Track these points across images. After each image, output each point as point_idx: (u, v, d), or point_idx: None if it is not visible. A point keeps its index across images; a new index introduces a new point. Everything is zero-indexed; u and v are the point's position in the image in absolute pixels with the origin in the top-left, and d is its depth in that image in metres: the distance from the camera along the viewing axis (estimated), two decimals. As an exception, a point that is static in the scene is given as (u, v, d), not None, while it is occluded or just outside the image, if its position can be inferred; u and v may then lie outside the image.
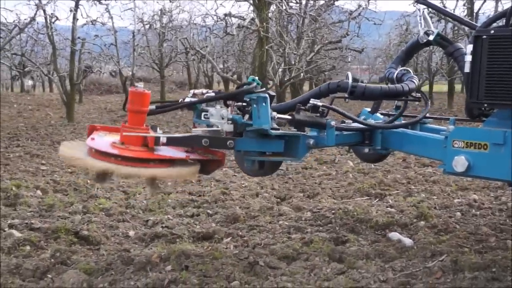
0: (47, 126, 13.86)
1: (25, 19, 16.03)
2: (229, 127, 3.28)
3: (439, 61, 20.69)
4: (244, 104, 3.35)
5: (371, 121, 3.94)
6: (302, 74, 15.76)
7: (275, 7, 14.20)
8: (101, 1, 17.34)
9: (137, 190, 5.82)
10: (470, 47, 3.08)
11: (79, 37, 17.53)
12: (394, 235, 4.01)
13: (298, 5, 16.76)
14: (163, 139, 3.06)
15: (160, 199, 5.35)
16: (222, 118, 3.28)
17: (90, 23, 17.87)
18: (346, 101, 3.78)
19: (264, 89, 3.37)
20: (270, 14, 13.97)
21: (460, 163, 3.01)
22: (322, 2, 17.09)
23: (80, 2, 15.89)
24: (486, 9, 38.26)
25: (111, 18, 20.56)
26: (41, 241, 3.89)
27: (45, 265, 3.36)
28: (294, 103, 3.56)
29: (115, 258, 3.55)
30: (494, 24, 3.18)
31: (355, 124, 3.77)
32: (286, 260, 3.54)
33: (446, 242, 3.81)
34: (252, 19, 13.95)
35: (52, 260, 3.47)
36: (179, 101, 3.60)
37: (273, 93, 3.39)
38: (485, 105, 3.12)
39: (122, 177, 3.10)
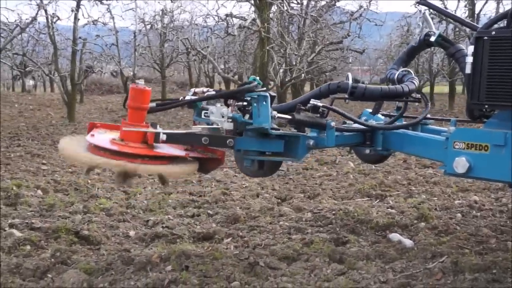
0: (48, 126, 13.88)
1: (26, 19, 16.06)
2: (229, 125, 3.28)
3: (440, 62, 20.70)
4: (244, 103, 3.35)
5: (372, 122, 3.94)
6: (303, 74, 15.75)
7: (276, 8, 14.20)
8: (103, 1, 17.36)
9: (137, 190, 5.82)
10: (471, 48, 3.08)
11: (80, 37, 17.53)
12: (395, 236, 4.01)
13: (299, 5, 16.80)
14: (162, 136, 3.06)
15: (160, 199, 5.35)
16: (222, 116, 3.27)
17: (92, 23, 17.90)
18: (346, 102, 3.78)
19: (265, 88, 3.37)
20: (271, 15, 13.96)
21: (460, 164, 3.01)
22: (323, 3, 17.13)
23: (82, 2, 15.93)
24: (487, 10, 38.34)
25: (113, 18, 20.60)
26: (42, 241, 3.89)
27: (46, 264, 3.36)
28: (294, 104, 3.56)
29: (116, 258, 3.54)
30: (495, 25, 3.18)
31: (356, 125, 3.76)
32: (286, 260, 3.54)
33: (447, 243, 3.80)
34: (253, 19, 13.95)
35: (53, 259, 3.47)
36: (180, 99, 3.60)
37: (274, 94, 3.39)
38: (486, 106, 3.12)
39: (119, 172, 3.09)
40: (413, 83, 3.69)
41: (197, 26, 21.24)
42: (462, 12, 18.52)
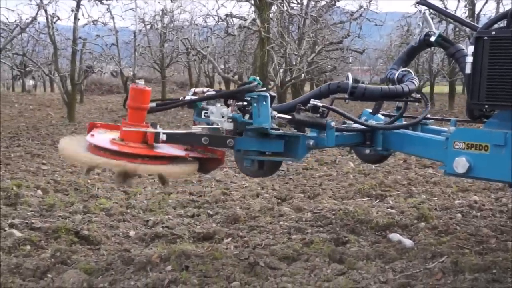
0: (48, 126, 13.88)
1: (26, 19, 16.06)
2: (229, 125, 3.28)
3: (440, 62, 20.70)
4: (244, 103, 3.35)
5: (372, 122, 3.94)
6: (303, 74, 15.75)
7: (276, 8, 14.20)
8: (103, 1, 17.35)
9: (137, 190, 5.82)
10: (471, 48, 3.08)
11: (80, 37, 17.53)
12: (395, 236, 4.01)
13: (299, 5, 16.80)
14: (162, 137, 3.06)
15: (160, 199, 5.35)
16: (222, 116, 3.27)
17: (92, 23, 17.89)
18: (346, 102, 3.78)
19: (265, 88, 3.37)
20: (271, 15, 13.96)
21: (461, 164, 3.01)
22: (323, 3, 17.13)
23: (82, 2, 15.93)
24: (487, 11, 38.30)
25: (113, 18, 20.60)
26: (42, 241, 3.89)
27: (46, 264, 3.36)
28: (294, 104, 3.56)
29: (116, 258, 3.54)
30: (495, 26, 3.18)
31: (356, 125, 3.76)
32: (286, 260, 3.54)
33: (447, 243, 3.80)
34: (253, 19, 13.94)
35: (53, 259, 3.47)
36: (180, 99, 3.60)
37: (274, 94, 3.39)
38: (486, 106, 3.12)
39: (119, 172, 3.09)
40: (413, 83, 3.69)
41: (197, 26, 21.24)
42: (462, 12, 18.54)
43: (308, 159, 8.05)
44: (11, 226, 4.26)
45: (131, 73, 23.01)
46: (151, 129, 3.16)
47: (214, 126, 3.28)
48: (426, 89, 22.46)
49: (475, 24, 3.93)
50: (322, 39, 17.39)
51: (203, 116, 3.41)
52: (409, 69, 3.86)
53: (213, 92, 3.49)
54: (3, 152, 8.94)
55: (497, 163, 2.91)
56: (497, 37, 2.98)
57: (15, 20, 16.59)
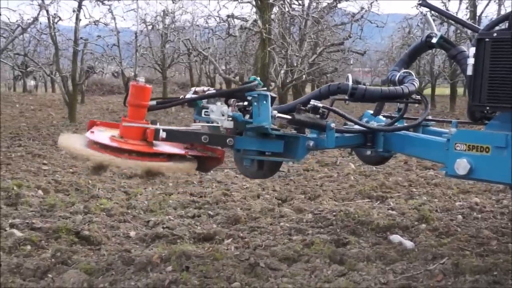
0: (49, 126, 13.89)
1: (28, 19, 16.09)
2: (229, 124, 3.27)
3: (442, 64, 20.70)
4: (245, 103, 3.35)
5: (373, 124, 3.94)
6: (304, 76, 15.75)
7: (277, 9, 14.21)
8: (104, 2, 17.36)
9: (138, 190, 5.82)
10: (472, 50, 3.08)
11: (81, 38, 17.55)
12: (395, 238, 4.01)
13: (300, 7, 16.78)
14: (162, 134, 3.06)
15: (161, 200, 5.35)
16: (223, 115, 3.27)
17: (93, 23, 17.90)
18: (346, 103, 3.77)
19: (265, 88, 3.37)
20: (272, 16, 13.95)
21: (462, 165, 3.01)
22: (324, 4, 17.11)
23: (83, 3, 15.95)
24: (489, 12, 38.17)
25: (114, 18, 20.54)
26: (42, 241, 3.89)
27: (46, 264, 3.36)
28: (294, 105, 3.56)
29: (116, 258, 3.54)
30: (497, 27, 3.18)
31: (356, 126, 3.76)
32: (286, 261, 3.54)
33: (447, 245, 3.80)
34: (255, 20, 13.94)
35: (53, 260, 3.47)
36: (180, 98, 3.60)
37: (274, 95, 3.39)
38: (488, 108, 3.11)
39: (119, 168, 3.10)
40: (413, 84, 3.68)
41: (199, 27, 21.25)
42: (463, 14, 18.56)
43: (309, 160, 8.05)
44: (12, 226, 4.26)
45: (132, 73, 22.99)
46: (150, 126, 3.15)
47: (214, 124, 3.28)
48: (427, 91, 22.49)
49: (476, 26, 3.93)
50: (324, 40, 17.37)
51: (203, 115, 3.41)
52: (410, 71, 3.86)
53: (214, 91, 3.49)
54: (4, 152, 8.94)
55: (498, 164, 2.91)
56: (498, 39, 2.98)
57: (17, 20, 16.68)
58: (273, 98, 3.32)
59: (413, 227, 4.31)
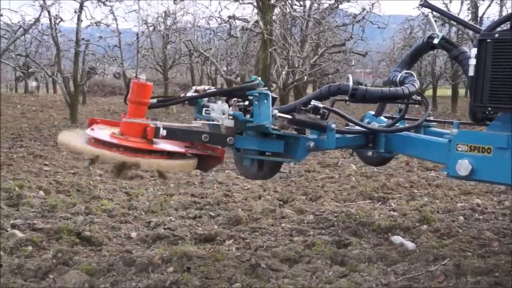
0: (50, 127, 13.91)
1: (29, 20, 16.12)
2: (229, 122, 3.27)
3: (443, 65, 20.68)
4: (246, 104, 3.35)
5: (374, 124, 3.93)
6: (305, 77, 15.74)
7: (279, 10, 14.21)
8: (106, 3, 17.36)
9: (139, 191, 5.82)
10: (474, 51, 3.08)
11: (83, 39, 17.56)
12: (397, 239, 4.00)
13: (302, 8, 16.78)
14: (162, 132, 3.05)
15: (162, 201, 5.35)
16: (223, 114, 3.26)
17: (95, 24, 17.90)
18: (347, 103, 3.76)
19: (266, 88, 3.37)
20: (274, 17, 13.95)
21: (463, 166, 3.00)
22: (326, 5, 17.10)
23: (85, 4, 15.94)
24: (490, 13, 38.12)
25: (115, 19, 20.52)
26: (43, 242, 3.89)
27: (47, 265, 3.37)
28: (295, 105, 3.56)
29: (117, 259, 3.54)
30: (499, 28, 3.17)
31: (357, 127, 3.75)
32: (288, 262, 3.54)
33: (449, 246, 3.79)
34: (256, 21, 13.94)
35: (54, 260, 3.47)
36: (181, 96, 3.60)
37: (275, 96, 3.38)
38: (489, 108, 3.11)
39: (119, 164, 3.09)
40: (414, 85, 3.67)
41: (200, 28, 21.26)
42: (465, 15, 18.54)
43: (310, 162, 8.05)
44: (13, 226, 4.26)
45: (134, 74, 22.99)
46: (150, 122, 3.14)
47: (215, 122, 3.28)
48: (428, 92, 22.47)
49: (478, 26, 3.93)
50: (325, 41, 17.36)
51: (204, 114, 3.41)
52: (411, 72, 3.86)
53: (214, 90, 3.49)
54: (5, 153, 8.95)
55: (499, 165, 2.90)
56: (500, 40, 2.98)
57: (18, 21, 16.67)
58: (274, 99, 3.31)
59: (415, 228, 4.31)
